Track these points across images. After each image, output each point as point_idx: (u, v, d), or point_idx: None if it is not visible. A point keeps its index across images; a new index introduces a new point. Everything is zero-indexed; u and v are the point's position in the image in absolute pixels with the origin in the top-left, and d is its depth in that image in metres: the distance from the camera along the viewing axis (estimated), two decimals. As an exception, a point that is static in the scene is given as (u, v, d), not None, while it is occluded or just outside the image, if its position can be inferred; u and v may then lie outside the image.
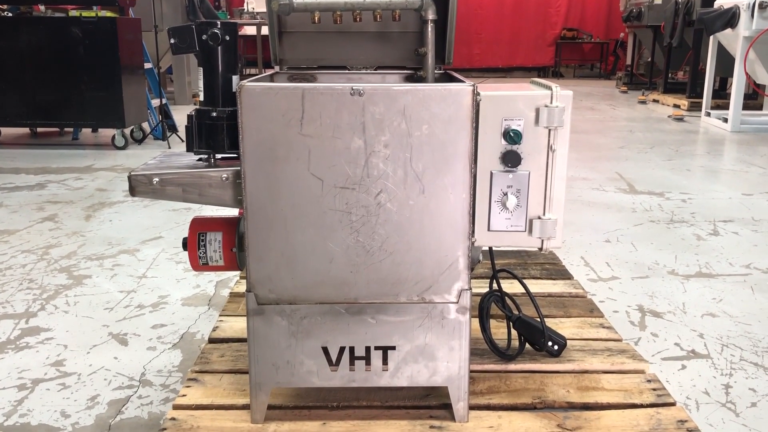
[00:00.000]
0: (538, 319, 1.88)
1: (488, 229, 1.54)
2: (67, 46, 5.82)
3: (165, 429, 1.59)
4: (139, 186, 1.57)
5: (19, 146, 6.35)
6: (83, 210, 4.08)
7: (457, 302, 1.54)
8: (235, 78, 1.65)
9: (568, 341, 1.94)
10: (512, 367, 1.85)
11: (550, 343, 1.89)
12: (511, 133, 1.48)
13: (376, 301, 1.54)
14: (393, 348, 1.57)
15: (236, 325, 2.11)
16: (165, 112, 6.31)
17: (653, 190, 4.60)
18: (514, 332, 1.91)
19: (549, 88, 1.49)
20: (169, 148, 6.13)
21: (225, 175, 1.56)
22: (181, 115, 6.53)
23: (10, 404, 1.97)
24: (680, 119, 7.96)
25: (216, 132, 1.62)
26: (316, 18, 1.58)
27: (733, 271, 3.07)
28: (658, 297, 2.77)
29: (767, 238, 3.57)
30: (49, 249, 3.34)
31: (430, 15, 1.76)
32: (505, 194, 1.52)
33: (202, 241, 1.68)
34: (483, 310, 1.89)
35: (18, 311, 2.62)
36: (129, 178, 1.57)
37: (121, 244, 3.43)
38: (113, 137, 6.11)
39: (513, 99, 1.48)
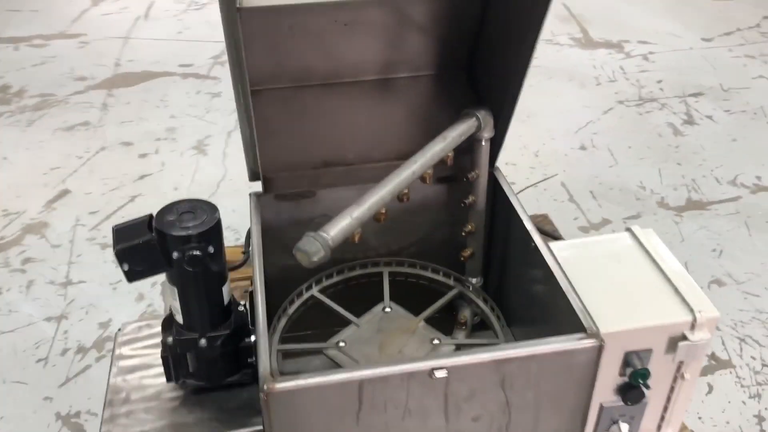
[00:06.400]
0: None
1: (587, 453, 1.22)
2: None
3: None
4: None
5: None
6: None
7: None
8: (225, 288, 1.11)
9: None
10: None
11: None
12: (637, 373, 1.09)
13: None
14: None
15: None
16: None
17: (610, 39, 4.15)
18: None
19: (689, 306, 1.08)
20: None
21: (240, 443, 1.12)
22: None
23: None
24: None
25: (206, 363, 1.14)
26: (356, 238, 1.03)
27: (722, 195, 2.87)
28: (658, 254, 2.57)
29: (741, 123, 3.35)
30: None
31: (486, 134, 1.21)
32: (615, 423, 1.18)
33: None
34: None
35: None
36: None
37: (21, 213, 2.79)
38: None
39: (641, 333, 1.07)
